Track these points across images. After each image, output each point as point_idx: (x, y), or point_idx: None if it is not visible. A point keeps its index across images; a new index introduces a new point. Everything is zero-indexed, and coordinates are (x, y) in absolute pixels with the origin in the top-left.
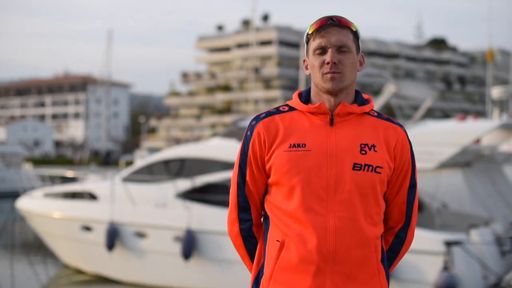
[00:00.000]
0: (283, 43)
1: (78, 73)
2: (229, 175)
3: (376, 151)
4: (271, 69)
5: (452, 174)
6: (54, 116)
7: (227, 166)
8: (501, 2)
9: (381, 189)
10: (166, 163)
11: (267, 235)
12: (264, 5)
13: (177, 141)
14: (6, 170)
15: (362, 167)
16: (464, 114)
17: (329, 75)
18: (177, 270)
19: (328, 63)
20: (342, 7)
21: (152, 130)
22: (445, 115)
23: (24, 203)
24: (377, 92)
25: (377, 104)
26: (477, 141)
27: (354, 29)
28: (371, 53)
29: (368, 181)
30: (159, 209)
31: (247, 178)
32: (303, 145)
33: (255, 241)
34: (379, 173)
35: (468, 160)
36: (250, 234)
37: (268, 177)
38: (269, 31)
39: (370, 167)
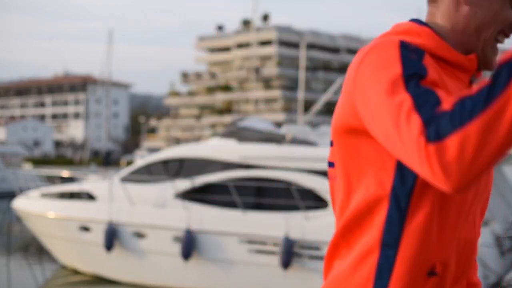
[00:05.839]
0: (283, 43)
1: (78, 73)
2: (229, 175)
3: None
4: (271, 69)
5: None
6: (54, 116)
7: (226, 166)
8: None
9: None
10: (165, 163)
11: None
12: (264, 5)
13: (177, 141)
14: (6, 170)
15: None
16: None
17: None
18: (177, 271)
19: None
20: (342, 7)
21: (152, 130)
22: None
23: (20, 203)
24: None
25: None
26: None
27: None
28: None
29: None
30: (158, 209)
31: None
32: None
33: None
34: None
35: None
36: None
37: None
38: (269, 31)
39: None
